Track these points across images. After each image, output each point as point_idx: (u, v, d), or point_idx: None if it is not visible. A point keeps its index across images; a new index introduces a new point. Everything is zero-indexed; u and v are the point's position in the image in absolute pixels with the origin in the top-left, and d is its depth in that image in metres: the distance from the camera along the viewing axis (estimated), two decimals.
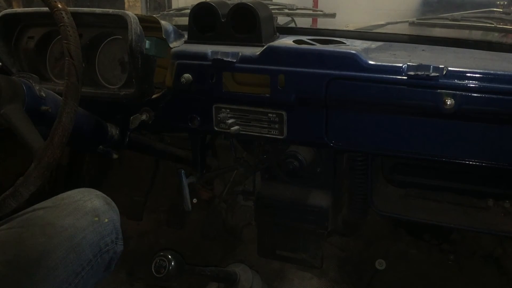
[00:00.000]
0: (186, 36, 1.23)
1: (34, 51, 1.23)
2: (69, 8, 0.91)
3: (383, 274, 1.61)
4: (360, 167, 1.31)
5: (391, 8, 1.85)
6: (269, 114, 1.13)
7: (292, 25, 1.69)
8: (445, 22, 1.51)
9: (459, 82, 0.96)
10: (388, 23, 1.56)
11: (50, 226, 0.91)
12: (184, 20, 1.38)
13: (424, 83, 0.97)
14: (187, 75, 1.12)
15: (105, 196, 1.05)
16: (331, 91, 1.04)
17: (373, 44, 1.19)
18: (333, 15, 1.66)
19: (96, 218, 0.97)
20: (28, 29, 1.24)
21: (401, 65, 0.99)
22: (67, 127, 0.85)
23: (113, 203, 1.05)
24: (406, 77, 0.98)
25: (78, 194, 1.01)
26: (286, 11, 1.67)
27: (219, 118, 1.17)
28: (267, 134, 1.15)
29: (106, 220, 0.99)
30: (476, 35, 1.50)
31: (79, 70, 0.88)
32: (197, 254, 1.77)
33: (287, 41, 1.16)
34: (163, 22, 1.17)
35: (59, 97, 0.96)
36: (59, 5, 0.89)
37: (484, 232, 1.39)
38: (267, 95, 1.09)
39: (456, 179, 1.23)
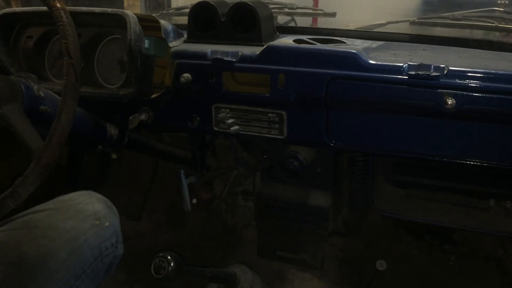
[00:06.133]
0: (185, 35, 1.23)
1: (32, 51, 1.23)
2: (68, 7, 0.90)
3: (384, 274, 1.61)
4: (361, 167, 1.30)
5: (391, 7, 1.84)
6: (269, 114, 1.12)
7: (292, 24, 1.69)
8: (446, 22, 1.50)
9: (460, 81, 0.95)
10: (388, 23, 1.56)
11: (52, 229, 0.92)
12: (184, 19, 1.37)
13: (425, 83, 0.97)
14: (186, 75, 1.12)
15: (106, 199, 1.05)
16: (331, 91, 1.04)
17: (374, 44, 1.19)
18: (333, 15, 1.66)
19: (97, 222, 0.97)
20: (26, 28, 1.24)
21: (401, 64, 0.99)
22: (65, 127, 0.84)
23: (113, 207, 1.05)
24: (406, 77, 0.98)
25: (79, 197, 1.01)
26: (286, 10, 1.67)
27: (218, 118, 1.16)
28: (267, 134, 1.14)
29: (107, 224, 0.99)
30: (477, 34, 1.49)
31: (77, 69, 0.87)
32: (196, 255, 1.77)
33: (287, 40, 1.15)
34: (162, 22, 1.16)
35: (58, 97, 0.95)
36: (58, 4, 0.88)
37: (485, 233, 1.39)
38: (267, 94, 1.09)
39: (457, 179, 1.23)
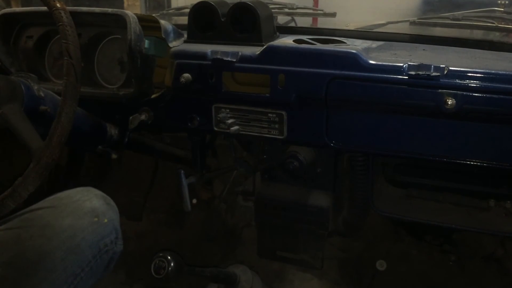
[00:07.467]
0: (185, 35, 1.23)
1: (32, 51, 1.23)
2: (68, 8, 0.91)
3: (384, 275, 1.61)
4: (361, 168, 1.30)
5: (391, 8, 1.85)
6: (269, 114, 1.12)
7: (292, 24, 1.69)
8: (446, 22, 1.50)
9: (460, 81, 0.95)
10: (388, 23, 1.56)
11: (49, 227, 0.90)
12: (184, 20, 1.37)
13: (425, 83, 0.97)
14: (186, 75, 1.12)
15: (105, 195, 1.03)
16: (331, 91, 1.04)
17: (374, 44, 1.19)
18: (333, 15, 1.66)
19: (96, 219, 0.96)
20: (27, 28, 1.24)
21: (402, 64, 0.99)
22: (66, 127, 0.85)
23: (112, 202, 1.03)
24: (407, 77, 0.98)
25: (77, 193, 0.99)
26: (286, 10, 1.67)
27: (218, 118, 1.16)
28: (267, 134, 1.14)
29: (106, 221, 0.97)
30: (477, 34, 1.49)
31: (78, 69, 0.87)
32: (196, 255, 1.77)
33: (287, 40, 1.15)
34: (162, 22, 1.16)
35: (58, 97, 0.96)
36: (58, 4, 0.88)
37: (485, 233, 1.38)
38: (267, 95, 1.09)
39: (457, 179, 1.23)
